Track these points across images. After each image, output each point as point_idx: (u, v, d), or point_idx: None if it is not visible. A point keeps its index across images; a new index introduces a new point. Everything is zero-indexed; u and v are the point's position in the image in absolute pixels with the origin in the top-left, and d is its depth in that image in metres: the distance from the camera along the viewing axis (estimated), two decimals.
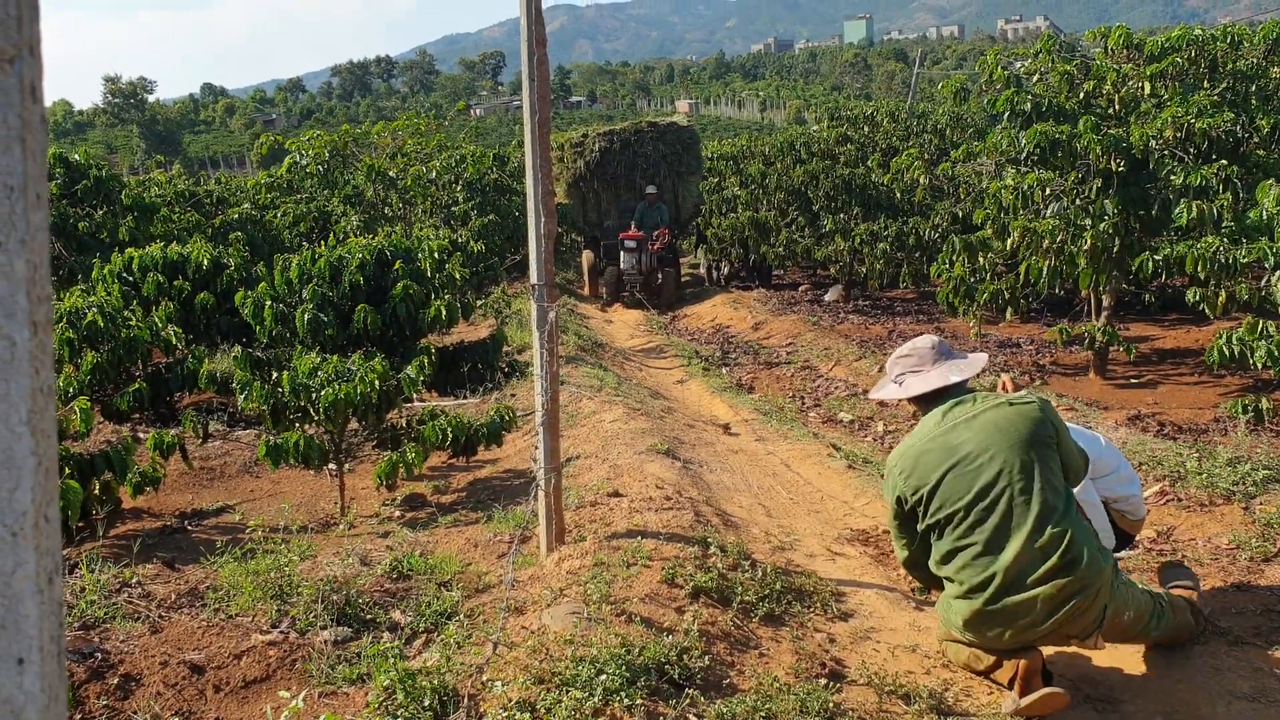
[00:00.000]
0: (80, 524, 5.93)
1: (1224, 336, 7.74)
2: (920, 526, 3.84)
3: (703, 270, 23.38)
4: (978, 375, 4.12)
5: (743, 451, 7.85)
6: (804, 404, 10.28)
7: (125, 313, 8.45)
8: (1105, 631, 3.75)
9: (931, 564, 3.87)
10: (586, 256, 20.74)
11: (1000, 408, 3.76)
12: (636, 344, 14.79)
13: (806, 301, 18.25)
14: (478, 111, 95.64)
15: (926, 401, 3.99)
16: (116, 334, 8.10)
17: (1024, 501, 3.60)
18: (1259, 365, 7.54)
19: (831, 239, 17.76)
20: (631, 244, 18.51)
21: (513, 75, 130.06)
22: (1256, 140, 10.32)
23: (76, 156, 15.80)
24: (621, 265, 18.67)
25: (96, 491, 6.06)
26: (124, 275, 10.24)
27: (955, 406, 3.84)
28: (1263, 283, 8.55)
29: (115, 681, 3.63)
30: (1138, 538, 5.14)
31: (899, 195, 16.87)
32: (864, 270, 17.09)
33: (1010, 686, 3.65)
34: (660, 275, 18.94)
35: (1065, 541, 3.57)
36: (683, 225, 21.47)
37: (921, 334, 4.23)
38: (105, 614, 4.17)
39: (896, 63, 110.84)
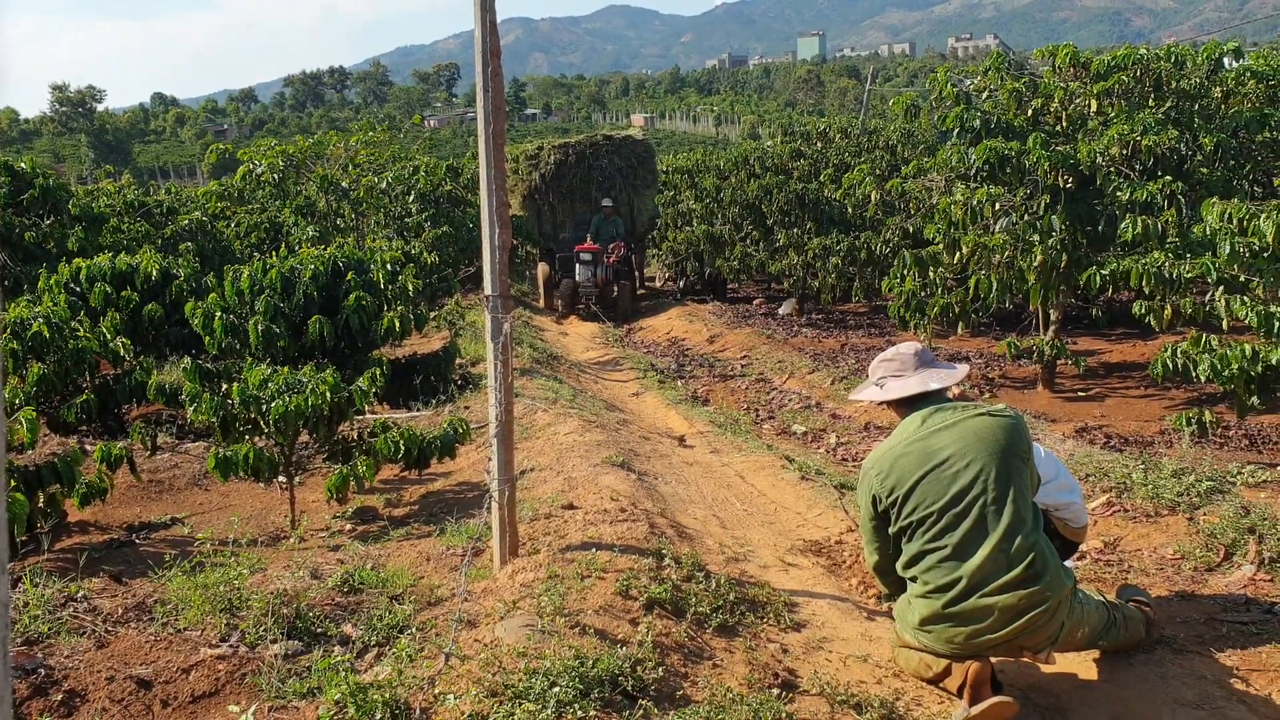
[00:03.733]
0: (25, 537, 5.83)
1: (1168, 350, 7.88)
2: (892, 529, 3.88)
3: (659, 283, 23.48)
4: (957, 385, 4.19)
5: (697, 463, 7.86)
6: (758, 416, 10.33)
7: (72, 323, 8.32)
8: (1058, 646, 3.81)
9: (898, 566, 3.91)
10: (542, 269, 20.74)
11: (981, 417, 3.81)
12: (592, 356, 14.79)
13: (761, 315, 18.36)
14: (432, 123, 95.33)
15: (906, 405, 4.02)
16: (63, 345, 7.97)
17: (996, 510, 3.65)
18: (1202, 379, 7.67)
19: (785, 253, 17.88)
20: (587, 256, 18.53)
21: (467, 87, 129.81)
22: (1200, 158, 10.54)
23: (23, 165, 15.52)
24: (577, 278, 18.68)
25: (42, 504, 5.96)
26: (71, 286, 10.10)
27: (935, 413, 3.88)
28: (1207, 298, 8.71)
29: (59, 698, 3.56)
30: (1083, 547, 5.21)
31: (851, 210, 17.04)
32: (817, 284, 17.22)
33: (960, 695, 3.68)
34: (616, 288, 18.96)
35: (1031, 554, 3.62)
36: (639, 238, 21.52)
37: (905, 343, 4.26)
38: (49, 629, 4.10)
39: (849, 79, 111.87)
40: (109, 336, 8.76)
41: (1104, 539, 5.66)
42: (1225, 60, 11.23)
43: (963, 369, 4.22)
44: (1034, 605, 3.62)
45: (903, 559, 3.87)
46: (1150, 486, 6.04)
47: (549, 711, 3.12)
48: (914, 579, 3.82)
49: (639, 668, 3.50)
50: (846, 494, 6.62)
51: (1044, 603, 3.63)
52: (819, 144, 20.33)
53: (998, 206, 10.75)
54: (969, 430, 3.77)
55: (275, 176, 17.26)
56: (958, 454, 3.72)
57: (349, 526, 6.50)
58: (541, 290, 20.77)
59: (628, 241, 19.84)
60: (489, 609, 4.05)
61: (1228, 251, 7.69)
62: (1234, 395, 7.78)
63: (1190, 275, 8.54)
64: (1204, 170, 10.50)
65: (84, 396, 8.25)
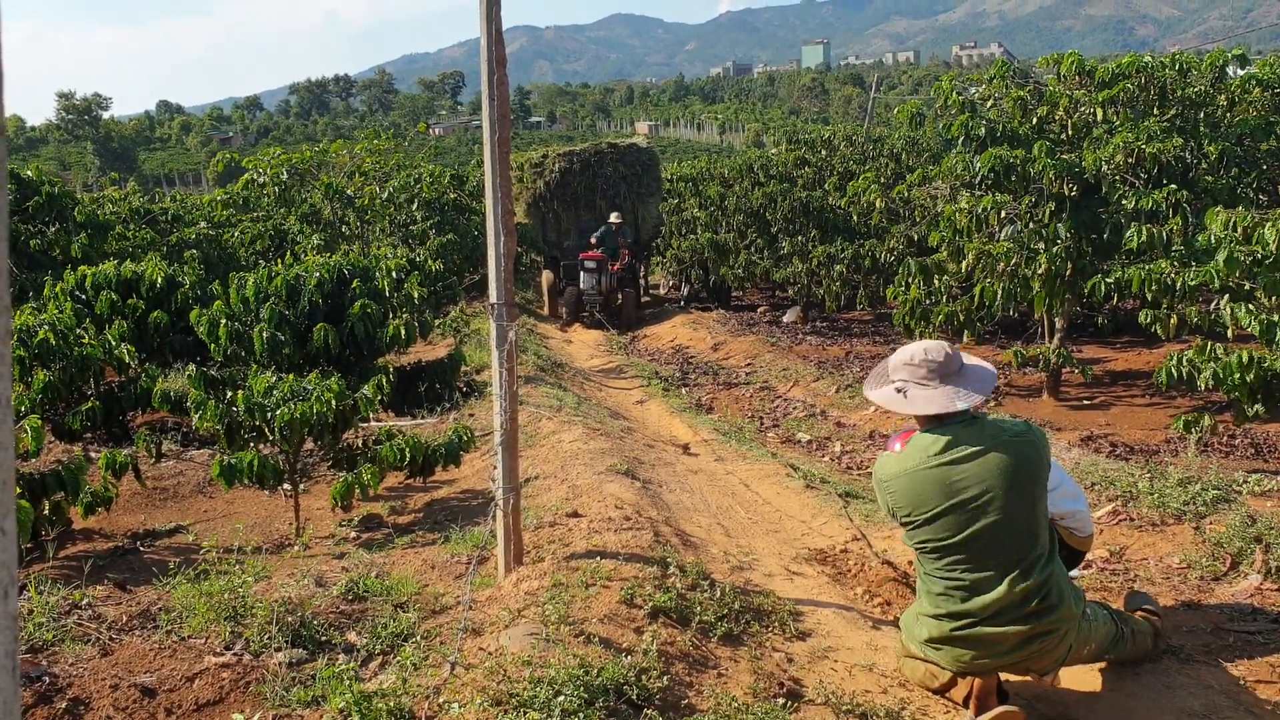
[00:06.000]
0: (29, 545, 5.83)
1: (1173, 359, 7.87)
2: (909, 542, 3.81)
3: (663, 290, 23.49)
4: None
5: (702, 471, 7.85)
6: (763, 424, 10.32)
7: (78, 331, 8.34)
8: (1064, 663, 3.78)
9: (917, 569, 3.86)
10: (546, 277, 20.75)
11: (1005, 445, 3.61)
12: (596, 364, 14.79)
13: (765, 322, 18.37)
14: (437, 131, 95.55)
15: (928, 418, 3.79)
16: (69, 352, 7.99)
17: (1017, 548, 3.57)
18: (1205, 387, 7.66)
19: (789, 261, 17.89)
20: (591, 264, 18.55)
21: (472, 95, 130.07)
22: (1205, 166, 10.52)
23: (29, 173, 15.58)
24: (581, 285, 18.69)
25: (47, 512, 5.96)
26: (76, 293, 10.12)
27: (958, 436, 3.66)
28: (1212, 306, 8.69)
29: (64, 706, 3.56)
30: (1088, 556, 5.19)
31: (856, 218, 17.04)
32: (821, 292, 17.23)
33: (965, 705, 3.67)
34: (620, 295, 18.97)
35: (1046, 589, 3.57)
36: (643, 246, 21.53)
37: (932, 343, 3.91)
38: (54, 637, 4.10)
39: (853, 87, 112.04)
40: (114, 344, 8.78)
41: (1110, 548, 5.64)
42: (1230, 68, 11.22)
43: (990, 380, 3.90)
44: (1044, 634, 3.58)
45: (921, 567, 3.81)
46: (1156, 495, 6.02)
47: None
48: (925, 593, 3.77)
49: (644, 677, 3.49)
50: (851, 502, 6.61)
51: (1054, 631, 3.59)
52: (823, 152, 20.34)
53: (1003, 214, 10.75)
54: (992, 463, 3.59)
55: (278, 189, 17.30)
56: (980, 490, 3.57)
57: (354, 534, 6.50)
58: (546, 298, 20.78)
59: (632, 249, 19.85)
60: (494, 617, 4.04)
61: (1224, 258, 7.67)
62: (1238, 403, 7.76)
63: (1195, 283, 8.53)
64: (1209, 178, 10.48)
65: (89, 404, 8.26)
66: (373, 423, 8.53)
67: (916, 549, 3.79)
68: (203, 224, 19.72)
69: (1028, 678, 3.86)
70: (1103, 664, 4.11)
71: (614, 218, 19.48)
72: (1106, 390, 11.57)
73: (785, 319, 18.45)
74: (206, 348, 8.56)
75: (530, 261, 22.34)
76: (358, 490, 6.48)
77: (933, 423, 3.76)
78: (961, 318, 11.41)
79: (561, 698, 3.21)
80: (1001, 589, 3.55)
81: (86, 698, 3.62)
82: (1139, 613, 4.26)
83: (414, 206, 18.66)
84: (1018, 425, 3.76)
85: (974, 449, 3.62)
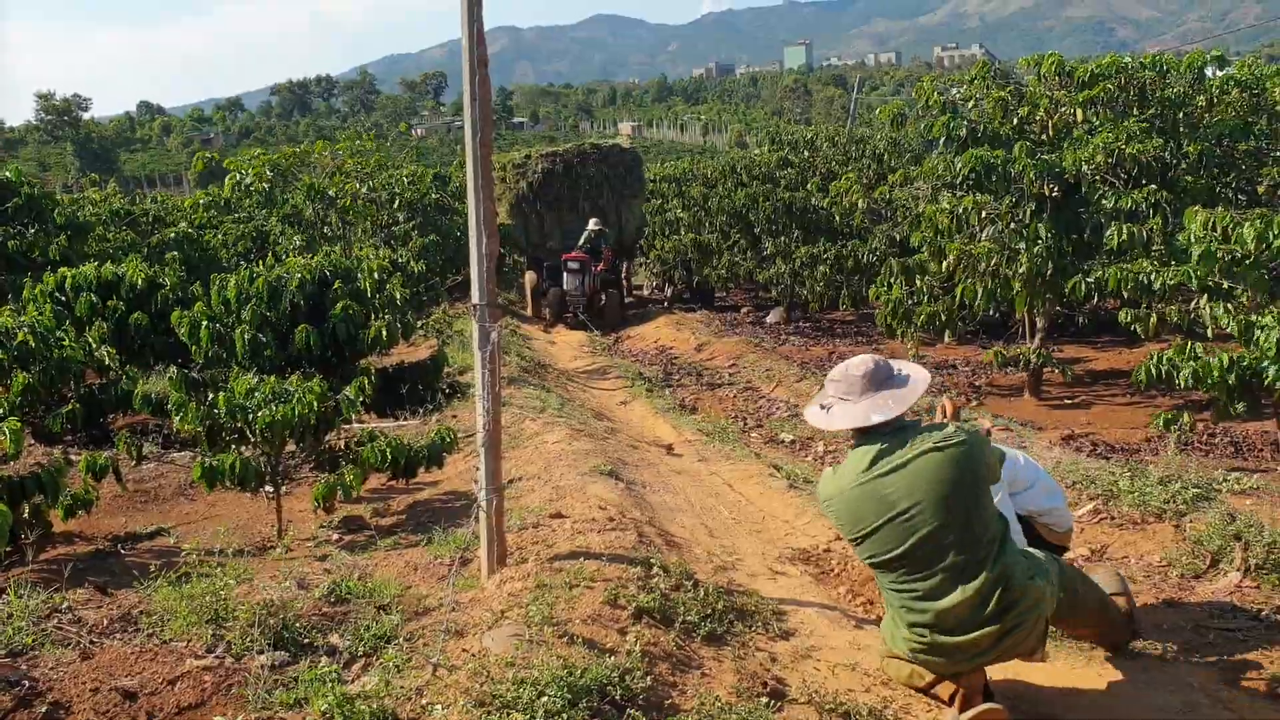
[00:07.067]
0: (9, 548, 5.79)
1: (1153, 358, 7.91)
2: (860, 559, 3.83)
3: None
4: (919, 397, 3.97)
5: (685, 472, 7.86)
6: (746, 425, 10.33)
7: (58, 333, 8.29)
8: (1049, 633, 3.79)
9: (877, 584, 3.88)
10: (529, 278, 20.70)
11: (929, 455, 3.61)
12: (580, 365, 14.77)
13: (749, 323, 18.39)
14: (419, 132, 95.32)
15: (856, 433, 3.83)
16: (48, 354, 7.94)
17: (959, 552, 3.56)
18: (1184, 385, 7.70)
19: (773, 261, 17.92)
20: (575, 265, 18.51)
21: (454, 96, 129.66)
22: (1184, 166, 10.59)
23: (7, 174, 15.47)
24: (565, 286, 18.65)
25: (26, 515, 5.93)
26: (56, 295, 10.04)
27: (884, 447, 3.69)
28: (1191, 305, 8.75)
29: (43, 710, 3.54)
30: (1069, 555, 5.22)
31: (838, 219, 17.08)
32: (804, 292, 17.26)
33: (950, 703, 3.68)
34: (604, 296, 18.94)
35: (1001, 586, 3.56)
36: (626, 247, 21.53)
37: (860, 354, 4.01)
38: (34, 641, 4.06)
39: (835, 88, 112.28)
40: (94, 346, 8.73)
41: (1090, 546, 5.68)
42: (1208, 69, 11.29)
43: (917, 388, 3.85)
44: (1015, 627, 3.58)
45: (880, 581, 3.82)
46: (1137, 494, 6.06)
47: None
48: (893, 606, 3.78)
49: (627, 677, 3.49)
50: None
51: (1023, 623, 3.59)
52: (806, 152, 20.36)
53: (984, 215, 10.79)
54: (919, 472, 3.60)
55: (265, 186, 17.25)
56: (910, 502, 3.58)
57: (336, 536, 6.48)
58: (529, 299, 20.73)
59: (615, 250, 19.84)
60: (477, 619, 4.03)
61: (1198, 255, 7.72)
62: (1217, 402, 7.81)
63: (1174, 283, 8.58)
64: (1188, 178, 10.55)
65: (69, 406, 8.22)
66: (355, 424, 8.50)
67: (867, 564, 3.80)
68: (184, 225, 19.61)
69: (1013, 662, 3.86)
70: (1085, 661, 4.13)
71: (593, 224, 19.43)
72: (1087, 389, 11.63)
73: (769, 319, 18.48)
74: (188, 349, 8.52)
75: (513, 262, 22.30)
76: (340, 492, 6.46)
77: (862, 435, 3.80)
78: (943, 318, 11.46)
79: (545, 699, 3.21)
80: (958, 596, 3.56)
81: (67, 702, 3.60)
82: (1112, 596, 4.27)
83: (396, 207, 18.60)
84: (946, 431, 3.71)
85: (899, 461, 3.64)
